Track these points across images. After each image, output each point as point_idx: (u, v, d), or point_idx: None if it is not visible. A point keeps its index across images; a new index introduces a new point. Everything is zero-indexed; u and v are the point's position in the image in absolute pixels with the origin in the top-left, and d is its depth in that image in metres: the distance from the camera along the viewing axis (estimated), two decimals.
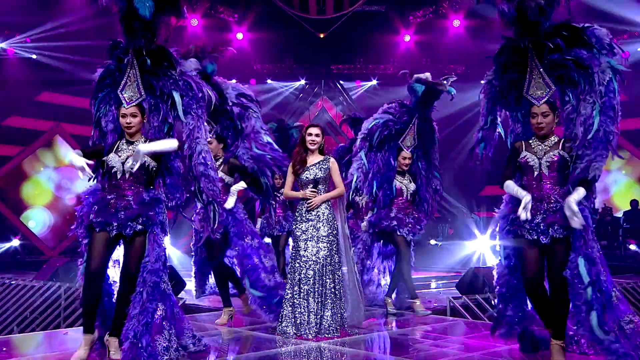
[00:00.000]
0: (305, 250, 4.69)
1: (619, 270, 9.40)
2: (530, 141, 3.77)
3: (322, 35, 14.57)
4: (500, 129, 4.08)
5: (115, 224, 3.66)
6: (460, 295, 6.29)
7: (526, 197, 3.57)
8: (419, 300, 5.69)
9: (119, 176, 3.74)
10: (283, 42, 15.19)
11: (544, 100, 3.74)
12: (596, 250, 3.58)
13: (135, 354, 3.50)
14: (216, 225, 4.02)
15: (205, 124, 4.13)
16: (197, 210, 5.06)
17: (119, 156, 3.76)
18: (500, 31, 3.98)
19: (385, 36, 15.25)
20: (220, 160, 5.22)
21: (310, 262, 4.65)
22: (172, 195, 3.92)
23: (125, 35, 3.88)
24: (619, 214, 12.68)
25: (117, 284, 3.84)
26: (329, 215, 4.77)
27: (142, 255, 3.70)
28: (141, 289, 3.64)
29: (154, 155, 3.80)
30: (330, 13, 14.20)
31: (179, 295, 6.30)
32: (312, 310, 4.58)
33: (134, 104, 3.83)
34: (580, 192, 3.56)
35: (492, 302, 5.83)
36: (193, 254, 5.59)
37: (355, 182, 5.86)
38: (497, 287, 3.89)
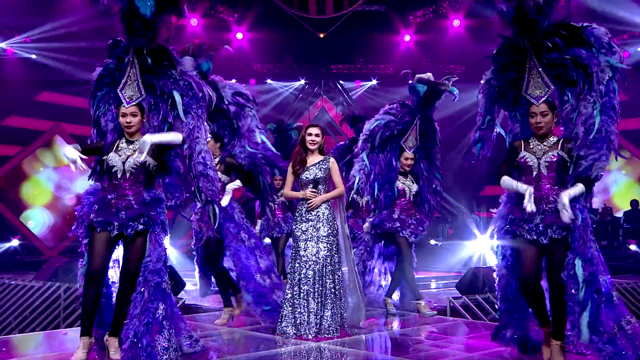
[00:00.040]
0: (305, 251, 4.68)
1: (619, 270, 9.39)
2: (530, 141, 3.77)
3: (322, 35, 14.57)
4: (499, 129, 4.06)
5: (116, 223, 3.65)
6: (460, 295, 6.28)
7: (528, 190, 3.55)
8: (423, 301, 5.66)
9: (119, 175, 3.73)
10: (283, 42, 15.19)
11: (542, 99, 3.73)
12: (594, 250, 3.57)
13: (136, 353, 3.50)
14: (216, 225, 4.04)
15: (205, 123, 4.13)
16: (196, 210, 5.06)
17: (120, 155, 3.76)
18: (500, 31, 3.98)
19: (385, 36, 15.25)
20: (217, 159, 5.21)
21: (310, 262, 4.65)
22: (171, 195, 3.92)
23: (126, 34, 3.87)
24: (619, 214, 12.67)
25: (116, 284, 3.84)
26: (329, 216, 4.76)
27: (143, 256, 3.70)
28: (142, 289, 3.64)
29: (155, 155, 3.79)
30: (330, 13, 14.20)
31: (179, 295, 6.30)
32: (312, 310, 4.57)
33: (134, 103, 3.83)
34: (577, 189, 3.55)
35: (493, 302, 5.83)
36: (195, 254, 5.57)
37: (357, 184, 5.83)
38: (498, 289, 3.89)
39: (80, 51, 12.28)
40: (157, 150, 3.79)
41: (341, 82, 16.03)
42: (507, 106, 4.03)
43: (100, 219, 3.65)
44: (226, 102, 5.15)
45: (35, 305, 6.39)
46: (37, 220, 13.69)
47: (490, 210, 4.03)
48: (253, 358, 4.08)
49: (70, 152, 3.61)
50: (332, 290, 4.64)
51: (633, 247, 11.27)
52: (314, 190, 4.74)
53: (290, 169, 4.89)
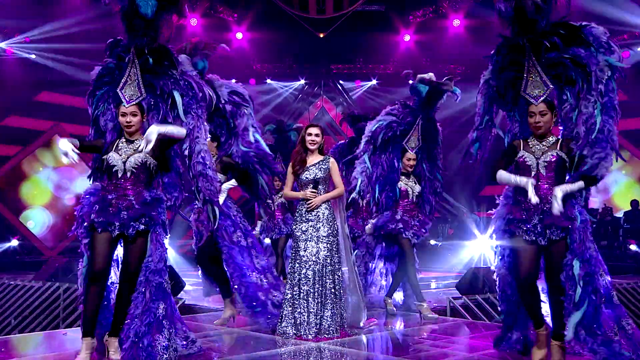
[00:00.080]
0: (305, 251, 4.68)
1: (619, 271, 9.39)
2: (528, 140, 3.75)
3: (322, 35, 14.57)
4: (497, 130, 4.05)
5: (117, 223, 3.64)
6: (460, 295, 6.28)
7: (529, 182, 3.53)
8: (425, 303, 5.63)
9: (119, 175, 3.72)
10: (283, 42, 15.18)
11: (541, 99, 3.72)
12: (593, 251, 3.56)
13: (136, 353, 3.50)
14: (216, 224, 4.04)
15: (205, 124, 4.13)
16: (194, 210, 5.05)
17: (120, 155, 3.75)
18: (500, 31, 3.97)
19: (385, 36, 15.25)
20: (214, 158, 5.20)
21: (310, 263, 4.64)
22: (169, 195, 3.91)
23: (127, 33, 3.87)
24: (620, 214, 12.67)
25: (115, 284, 3.83)
26: (329, 216, 4.75)
27: (144, 256, 3.69)
28: (144, 289, 3.63)
29: (155, 154, 3.79)
30: (330, 13, 14.19)
31: (179, 296, 6.29)
32: (312, 310, 4.56)
33: (134, 102, 3.82)
34: (574, 185, 3.54)
35: (493, 302, 5.83)
36: (196, 254, 5.56)
37: (359, 186, 5.80)
38: (499, 290, 3.87)
39: (80, 52, 12.26)
40: (158, 148, 3.78)
41: (341, 82, 16.03)
42: (505, 106, 4.01)
43: (102, 219, 3.63)
44: (222, 101, 5.13)
45: (35, 305, 6.38)
46: (37, 220, 13.68)
47: (491, 210, 4.01)
48: (253, 358, 4.07)
49: (63, 144, 3.59)
50: (332, 290, 4.64)
51: (633, 247, 11.26)
52: (314, 190, 4.73)
53: (290, 169, 4.88)
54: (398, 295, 6.14)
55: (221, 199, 4.99)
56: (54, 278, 6.93)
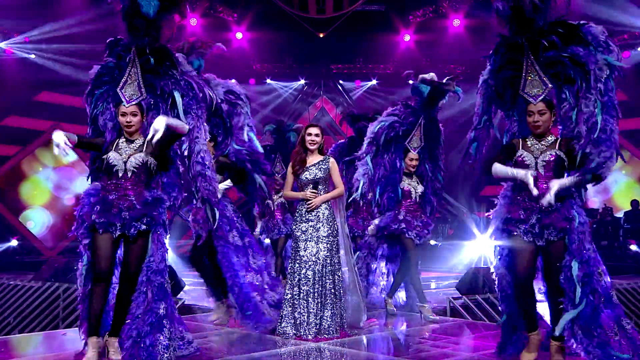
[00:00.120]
0: (304, 251, 4.67)
1: (619, 271, 9.38)
2: (527, 140, 3.74)
3: (321, 35, 14.56)
4: (495, 130, 4.03)
5: (118, 224, 3.63)
6: (460, 295, 6.27)
7: (528, 173, 3.53)
8: (427, 305, 5.60)
9: (120, 175, 3.71)
10: (283, 42, 15.18)
11: (540, 98, 3.70)
12: (591, 252, 3.55)
13: (138, 352, 3.51)
14: (215, 224, 4.05)
15: (205, 124, 4.13)
16: (193, 211, 5.04)
17: (120, 155, 3.74)
18: (498, 30, 3.96)
19: (385, 36, 15.24)
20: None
21: (310, 263, 4.64)
22: (168, 195, 3.91)
23: (129, 33, 3.87)
24: (620, 214, 12.67)
25: (114, 284, 3.82)
26: (329, 216, 4.75)
27: (144, 256, 3.69)
28: (145, 289, 3.64)
29: (156, 154, 3.79)
30: (330, 12, 14.18)
31: (178, 296, 6.29)
32: (311, 310, 4.56)
33: (134, 102, 3.82)
34: (573, 180, 3.53)
35: (493, 303, 5.82)
36: (190, 254, 5.55)
37: (361, 188, 5.78)
38: (498, 289, 3.86)
39: (80, 53, 12.26)
40: (159, 147, 3.78)
41: (341, 82, 16.02)
42: (504, 106, 4.00)
43: (103, 220, 3.62)
44: (218, 101, 5.12)
45: (34, 305, 6.38)
46: (37, 220, 13.68)
47: (491, 210, 4.00)
48: (253, 358, 4.06)
49: (58, 136, 3.58)
50: (332, 290, 4.63)
51: (633, 247, 11.26)
52: (313, 190, 4.73)
53: (290, 169, 4.88)
54: (401, 295, 6.12)
55: None
56: (53, 278, 6.92)
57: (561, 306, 3.53)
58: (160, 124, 3.62)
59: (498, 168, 3.68)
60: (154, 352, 3.54)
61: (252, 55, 15.22)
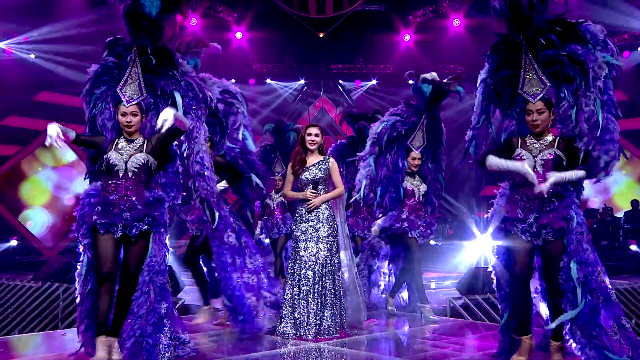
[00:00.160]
0: (304, 251, 4.67)
1: (619, 271, 9.37)
2: (526, 139, 3.73)
3: (321, 35, 14.55)
4: (493, 129, 4.02)
5: (120, 224, 3.63)
6: (460, 295, 6.26)
7: (524, 164, 3.53)
8: (428, 305, 5.59)
9: (121, 175, 3.70)
10: (283, 42, 15.18)
11: (539, 97, 3.69)
12: (590, 252, 3.54)
13: (139, 352, 3.53)
14: (215, 224, 4.05)
15: (205, 125, 4.13)
16: (190, 211, 5.02)
17: (121, 155, 3.73)
18: (497, 29, 3.95)
19: (385, 36, 15.24)
20: None
21: (309, 263, 4.63)
22: (167, 195, 3.90)
23: (130, 33, 3.86)
24: (620, 214, 12.66)
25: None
26: (329, 216, 4.74)
27: (145, 256, 3.69)
28: (147, 289, 3.64)
29: (155, 154, 3.79)
30: (330, 12, 14.18)
31: (178, 296, 6.28)
32: (311, 310, 4.56)
33: (134, 102, 3.81)
34: (572, 174, 3.52)
35: (493, 303, 5.81)
36: (185, 254, 5.53)
37: (363, 189, 5.75)
38: (497, 288, 3.85)
39: (78, 55, 12.25)
40: (160, 146, 3.78)
41: (341, 82, 16.01)
42: (503, 105, 3.98)
43: (104, 221, 3.62)
44: (214, 100, 5.10)
45: (34, 305, 6.36)
46: (36, 220, 13.67)
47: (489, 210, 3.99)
48: (253, 358, 4.06)
49: (51, 128, 3.58)
50: (332, 290, 4.63)
51: (634, 247, 11.25)
52: (313, 191, 4.72)
53: (290, 169, 4.88)
54: (403, 296, 6.10)
55: None
56: (53, 278, 6.91)
57: (563, 306, 3.52)
58: (168, 113, 3.61)
59: (492, 160, 3.68)
60: (155, 352, 3.56)
61: (252, 55, 15.22)
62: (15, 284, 6.86)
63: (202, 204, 4.05)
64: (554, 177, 3.48)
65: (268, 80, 15.59)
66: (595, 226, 12.14)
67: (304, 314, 4.56)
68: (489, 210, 3.88)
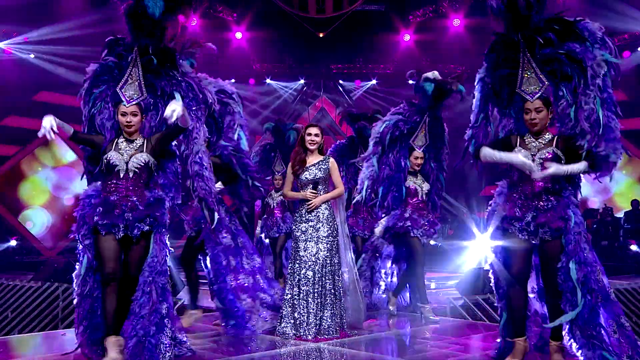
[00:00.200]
0: (304, 251, 4.67)
1: (619, 271, 9.36)
2: (525, 137, 3.72)
3: (321, 35, 14.55)
4: (491, 127, 4.01)
5: (121, 225, 3.63)
6: (461, 295, 6.26)
7: (517, 155, 3.53)
8: (428, 306, 5.57)
9: (121, 175, 3.70)
10: (282, 42, 15.17)
11: (537, 95, 3.68)
12: (588, 252, 3.53)
13: (142, 352, 3.54)
14: (214, 224, 4.06)
15: (204, 125, 4.13)
16: (186, 212, 5.00)
17: (122, 155, 3.73)
18: (495, 29, 3.94)
19: (385, 36, 15.23)
20: None
21: (309, 263, 4.63)
22: (166, 195, 3.90)
23: (132, 33, 3.86)
24: (620, 214, 12.65)
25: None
26: (329, 216, 4.74)
27: (145, 256, 3.70)
28: (149, 289, 3.64)
29: (155, 153, 3.79)
30: (330, 12, 14.17)
31: (178, 296, 6.27)
32: (311, 311, 4.55)
33: (135, 102, 3.81)
34: (573, 167, 3.51)
35: (493, 303, 5.81)
36: (181, 254, 5.51)
37: (365, 191, 5.73)
38: (495, 287, 3.82)
39: (79, 55, 12.24)
40: (160, 145, 3.79)
41: (341, 81, 16.00)
42: (501, 104, 3.96)
43: (106, 222, 3.62)
44: (215, 101, 5.07)
45: (33, 305, 6.36)
46: (36, 220, 13.66)
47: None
48: (253, 358, 4.06)
49: (46, 120, 3.57)
50: (332, 290, 4.62)
51: (634, 247, 11.24)
52: (313, 191, 4.72)
53: (289, 169, 4.87)
54: (405, 296, 6.09)
55: None
56: (52, 278, 6.91)
57: (562, 306, 3.52)
58: (177, 104, 3.62)
59: (486, 151, 3.68)
60: (157, 352, 3.58)
61: (252, 55, 15.21)
62: (15, 284, 6.86)
63: (200, 203, 4.06)
64: (554, 167, 3.48)
65: (268, 80, 15.58)
66: (595, 226, 12.13)
67: (303, 314, 4.56)
68: (487, 209, 3.88)
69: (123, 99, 3.81)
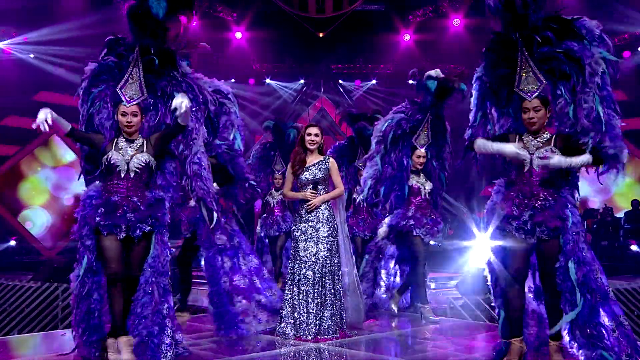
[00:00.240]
0: (304, 251, 4.66)
1: (619, 271, 9.35)
2: (523, 136, 3.72)
3: (321, 35, 14.54)
4: (490, 126, 4.00)
5: (123, 226, 3.63)
6: (461, 295, 6.25)
7: (511, 147, 3.53)
8: (428, 306, 5.55)
9: (122, 175, 3.70)
10: (282, 42, 15.16)
11: (535, 94, 3.68)
12: (586, 250, 3.53)
13: (145, 351, 3.56)
14: (213, 224, 4.07)
15: (203, 126, 4.13)
16: (183, 213, 5.00)
17: (123, 155, 3.72)
18: (492, 27, 3.94)
19: (385, 36, 15.22)
20: None
21: (309, 263, 4.63)
22: (165, 196, 3.90)
23: (134, 33, 3.85)
24: (620, 214, 12.64)
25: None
26: (329, 216, 4.74)
27: (146, 257, 3.70)
28: (151, 290, 3.65)
29: (155, 154, 3.79)
30: (330, 12, 14.16)
31: (178, 296, 6.26)
32: (311, 311, 4.55)
33: (135, 102, 3.81)
34: (581, 158, 3.49)
35: (493, 303, 5.80)
36: (178, 255, 5.51)
37: (367, 192, 5.71)
38: (492, 284, 3.80)
39: (79, 56, 12.23)
40: (160, 144, 3.78)
41: (341, 81, 16.00)
42: (499, 103, 3.96)
43: (108, 222, 3.62)
44: (215, 102, 5.06)
45: (33, 306, 6.36)
46: (35, 220, 13.65)
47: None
48: (253, 358, 4.05)
49: (42, 112, 3.58)
50: (332, 291, 4.62)
51: (634, 247, 11.23)
52: (313, 191, 4.71)
53: (289, 169, 4.87)
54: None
55: (193, 201, 4.84)
56: (52, 278, 6.90)
57: (562, 306, 3.51)
58: (184, 97, 3.62)
59: (480, 142, 3.68)
60: (159, 352, 3.60)
61: (252, 55, 15.20)
62: (14, 284, 6.86)
63: (198, 203, 4.07)
64: (556, 157, 3.46)
65: (268, 80, 15.58)
66: (595, 226, 12.11)
67: (303, 314, 4.56)
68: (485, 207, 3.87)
69: (123, 99, 3.81)
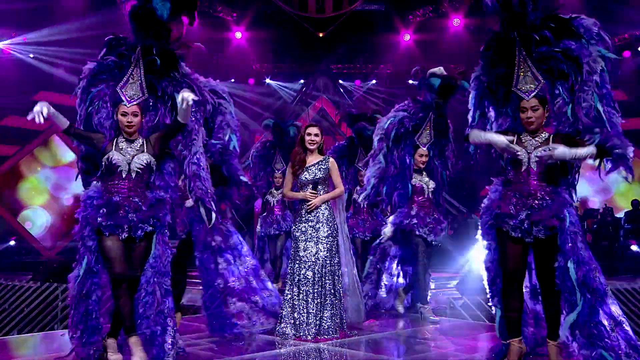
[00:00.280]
0: (304, 251, 4.66)
1: (619, 271, 9.35)
2: (521, 136, 3.71)
3: (321, 35, 14.54)
4: (489, 125, 4.00)
5: (125, 226, 3.62)
6: (461, 295, 6.25)
7: (502, 138, 3.54)
8: (429, 306, 5.55)
9: (123, 176, 3.69)
10: (282, 42, 15.15)
11: (533, 94, 3.67)
12: (584, 250, 3.53)
13: (149, 351, 3.58)
14: (212, 223, 4.06)
15: (202, 127, 4.13)
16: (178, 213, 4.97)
17: (124, 155, 3.72)
18: (491, 27, 3.94)
19: (385, 35, 15.21)
20: None
21: (309, 263, 4.62)
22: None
23: (137, 33, 3.85)
24: (620, 214, 12.63)
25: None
26: (329, 216, 4.73)
27: (147, 257, 3.70)
28: (153, 290, 3.65)
29: (155, 154, 3.78)
30: (330, 12, 14.15)
31: None
32: (311, 311, 4.55)
33: (135, 102, 3.80)
34: (585, 150, 3.47)
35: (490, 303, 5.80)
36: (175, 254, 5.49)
37: (369, 191, 5.69)
38: (488, 283, 3.78)
39: (79, 56, 12.22)
40: (160, 144, 3.78)
41: (341, 81, 16.00)
42: (497, 102, 3.95)
43: (110, 223, 3.61)
44: (215, 103, 5.05)
45: (33, 306, 6.36)
46: (35, 220, 13.65)
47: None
48: (252, 358, 4.05)
49: (39, 104, 3.54)
50: (332, 291, 4.62)
51: (634, 247, 11.22)
52: (313, 191, 4.71)
53: (289, 169, 4.87)
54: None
55: (189, 202, 4.83)
56: (52, 279, 6.90)
57: (561, 305, 3.51)
58: (190, 91, 3.62)
59: (474, 132, 3.69)
60: (162, 351, 3.61)
61: (252, 55, 15.19)
62: (14, 284, 6.86)
63: (197, 203, 4.06)
64: (560, 149, 3.43)
65: (267, 80, 15.58)
66: (595, 226, 12.10)
67: (303, 314, 4.55)
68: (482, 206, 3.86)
69: (124, 99, 3.80)
